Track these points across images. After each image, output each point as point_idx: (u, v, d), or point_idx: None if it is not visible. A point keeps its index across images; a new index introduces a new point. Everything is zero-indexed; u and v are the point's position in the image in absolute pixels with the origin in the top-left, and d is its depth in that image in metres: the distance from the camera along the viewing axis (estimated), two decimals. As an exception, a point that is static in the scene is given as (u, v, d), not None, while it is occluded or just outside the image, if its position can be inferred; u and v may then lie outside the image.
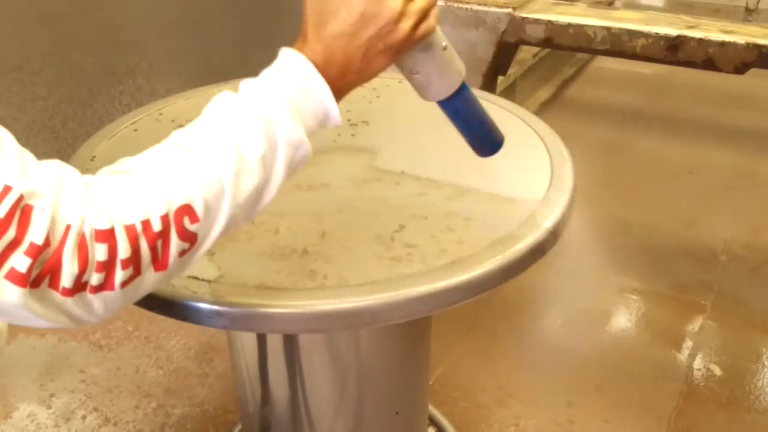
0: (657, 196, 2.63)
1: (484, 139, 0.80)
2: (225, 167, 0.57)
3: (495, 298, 2.03)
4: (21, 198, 0.48)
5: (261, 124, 0.59)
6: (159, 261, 0.55)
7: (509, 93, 2.85)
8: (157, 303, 0.74)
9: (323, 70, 0.62)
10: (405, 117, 1.20)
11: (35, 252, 0.48)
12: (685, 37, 1.76)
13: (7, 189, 0.48)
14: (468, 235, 0.84)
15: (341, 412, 1.15)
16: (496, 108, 1.21)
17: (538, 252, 0.83)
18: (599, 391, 1.74)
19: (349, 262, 0.80)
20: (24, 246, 0.48)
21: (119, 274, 0.52)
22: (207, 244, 0.58)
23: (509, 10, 2.01)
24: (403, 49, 0.66)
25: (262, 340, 1.10)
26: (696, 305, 2.04)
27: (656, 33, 1.80)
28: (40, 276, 0.49)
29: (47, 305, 0.51)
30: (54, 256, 0.49)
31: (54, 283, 0.50)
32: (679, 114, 3.38)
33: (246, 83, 0.62)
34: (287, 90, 0.60)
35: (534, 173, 0.98)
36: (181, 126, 1.19)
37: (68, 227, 0.50)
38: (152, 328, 1.93)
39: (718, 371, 1.80)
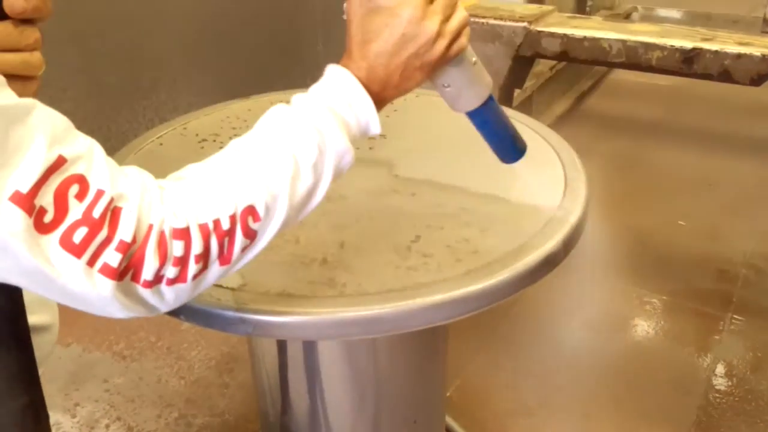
0: (676, 207, 2.62)
1: (509, 147, 0.86)
2: (283, 172, 0.62)
3: (512, 310, 2.04)
4: (111, 200, 0.53)
5: (313, 134, 0.64)
6: (224, 256, 0.60)
7: (526, 106, 2.86)
8: (183, 310, 0.76)
9: (366, 84, 0.68)
10: (421, 131, 1.22)
11: (125, 248, 0.54)
12: (700, 49, 1.78)
13: (101, 192, 0.53)
14: (483, 245, 0.86)
15: (359, 421, 1.17)
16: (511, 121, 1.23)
17: (551, 262, 0.84)
18: (617, 403, 1.73)
19: (367, 271, 0.82)
20: (115, 243, 0.53)
21: (192, 268, 0.58)
22: (265, 241, 0.64)
23: (525, 24, 2.04)
24: (438, 66, 0.73)
25: (282, 350, 1.12)
26: (716, 317, 2.03)
27: (672, 45, 1.81)
28: (126, 270, 0.55)
29: (129, 297, 0.56)
30: (138, 252, 0.55)
31: (136, 276, 0.55)
32: (697, 125, 3.37)
33: (298, 97, 0.68)
34: (335, 103, 0.67)
35: (548, 185, 1.00)
36: (204, 140, 1.22)
37: (150, 226, 0.55)
38: (174, 338, 1.97)
39: (738, 384, 1.79)
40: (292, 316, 0.76)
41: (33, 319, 0.66)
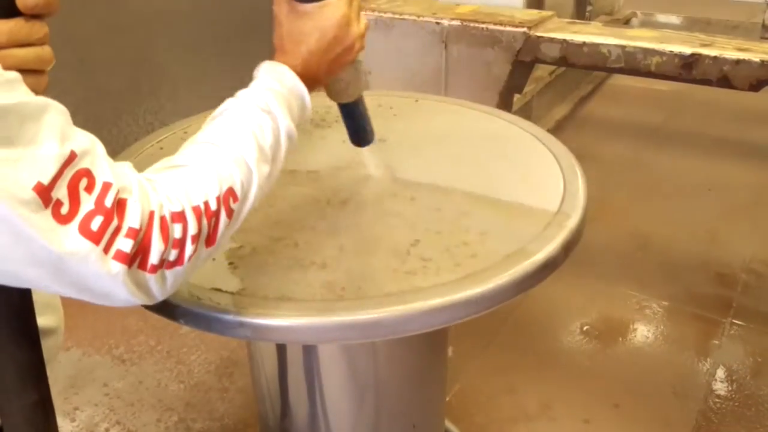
0: (676, 212, 2.62)
1: (365, 136, 1.00)
2: (250, 155, 0.69)
3: (512, 314, 2.04)
4: (118, 192, 0.57)
5: (268, 120, 0.73)
6: (210, 237, 0.65)
7: (526, 110, 2.87)
8: (182, 314, 0.77)
9: (300, 76, 0.78)
10: (420, 135, 1.23)
11: (134, 234, 0.57)
12: (699, 55, 1.78)
13: (108, 185, 0.56)
14: (482, 249, 0.86)
15: (359, 425, 1.17)
16: (509, 126, 1.23)
17: (550, 267, 0.84)
18: (617, 408, 1.73)
19: (366, 275, 0.83)
20: (124, 230, 0.57)
21: (188, 249, 0.62)
22: (240, 220, 0.69)
23: (525, 29, 2.05)
24: (350, 62, 0.86)
25: (281, 353, 1.12)
26: (715, 322, 2.03)
27: (671, 51, 1.82)
28: (135, 256, 0.58)
29: (136, 282, 0.59)
30: (145, 238, 0.58)
31: (143, 261, 0.59)
32: (697, 130, 3.37)
33: (244, 91, 0.76)
34: (281, 92, 0.76)
35: (547, 189, 1.00)
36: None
37: (152, 213, 0.59)
38: (174, 342, 1.97)
39: (738, 389, 1.79)
40: (291, 320, 0.76)
41: (39, 321, 0.67)
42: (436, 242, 0.88)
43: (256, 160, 0.69)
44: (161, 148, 1.18)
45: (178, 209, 0.61)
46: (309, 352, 1.07)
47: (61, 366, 1.87)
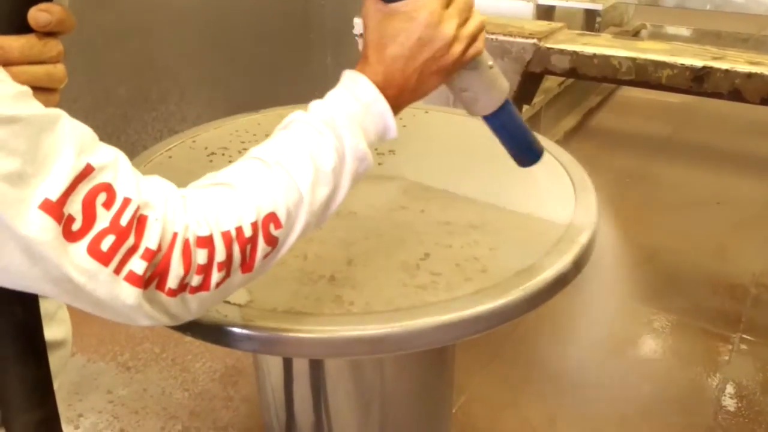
0: (684, 225, 2.61)
1: (525, 151, 0.85)
2: (303, 179, 0.63)
3: (518, 327, 2.03)
4: (138, 209, 0.54)
5: (332, 140, 0.65)
6: (246, 263, 0.61)
7: (534, 121, 2.86)
8: (189, 326, 0.76)
9: (383, 89, 0.68)
10: (431, 147, 1.22)
11: (150, 256, 0.54)
12: (711, 68, 1.77)
13: (127, 201, 0.53)
14: (492, 264, 0.85)
15: (364, 438, 1.16)
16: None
17: (561, 282, 0.83)
18: (624, 422, 1.72)
19: (375, 289, 0.82)
20: (140, 251, 0.54)
21: (215, 276, 0.58)
22: (286, 247, 0.64)
23: (535, 40, 2.04)
24: (454, 70, 0.73)
25: (288, 365, 1.11)
26: (724, 338, 2.01)
27: (682, 64, 1.81)
28: (151, 278, 0.55)
29: (154, 305, 0.56)
30: (164, 261, 0.55)
31: (161, 284, 0.56)
32: (706, 143, 3.36)
33: (315, 103, 0.68)
34: (353, 108, 0.67)
35: (558, 204, 0.99)
36: (213, 153, 1.22)
37: (175, 234, 0.55)
38: (179, 350, 1.96)
39: (747, 406, 1.77)
40: (299, 334, 0.75)
41: (47, 334, 0.65)
42: (446, 256, 0.87)
43: (311, 183, 0.63)
44: (170, 157, 1.17)
45: (205, 233, 0.57)
46: (316, 364, 1.06)
47: (65, 372, 1.87)
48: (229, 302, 0.78)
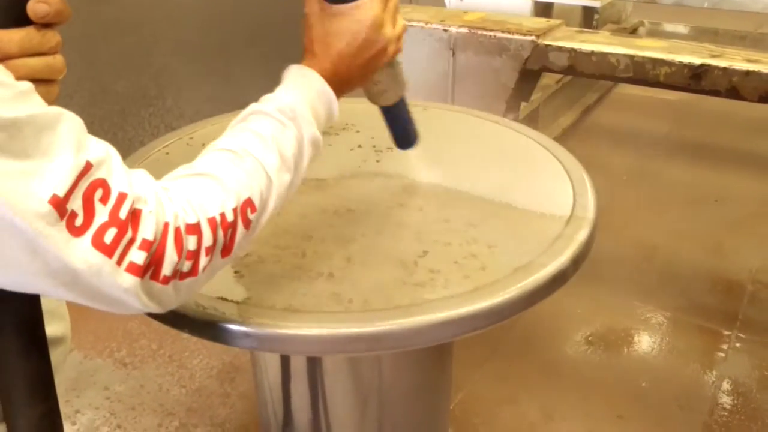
0: (682, 223, 2.61)
1: (408, 139, 0.99)
2: (271, 165, 0.68)
3: (516, 324, 2.03)
4: (133, 202, 0.56)
5: (292, 129, 0.71)
6: (226, 247, 0.64)
7: (532, 119, 2.86)
8: (187, 323, 0.76)
9: (329, 81, 0.76)
10: (428, 144, 1.22)
11: (148, 246, 0.56)
12: (708, 65, 1.77)
13: (123, 195, 0.55)
14: (490, 262, 0.86)
15: (362, 435, 1.16)
16: (518, 135, 1.23)
17: (559, 280, 0.83)
18: (620, 420, 1.72)
19: (374, 287, 0.82)
20: (138, 242, 0.56)
21: (203, 261, 0.61)
22: (258, 230, 0.68)
23: (533, 37, 2.04)
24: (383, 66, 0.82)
25: (285, 362, 1.11)
26: (721, 334, 2.02)
27: (680, 61, 1.81)
28: (148, 267, 0.57)
29: (148, 293, 0.58)
30: (159, 250, 0.57)
31: (156, 273, 0.58)
32: (704, 141, 3.36)
33: (269, 96, 0.73)
34: (307, 99, 0.73)
35: (556, 201, 0.99)
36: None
37: (167, 224, 0.58)
38: (176, 346, 1.96)
39: (744, 403, 1.77)
40: (297, 332, 0.75)
41: (47, 330, 0.66)
42: (445, 254, 0.87)
43: (277, 169, 0.68)
44: (167, 154, 1.17)
45: (193, 221, 0.60)
46: (313, 361, 1.06)
47: (64, 368, 1.86)
48: (226, 299, 0.78)
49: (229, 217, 0.63)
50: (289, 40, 2.87)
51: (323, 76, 0.75)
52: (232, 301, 0.78)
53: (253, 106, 0.73)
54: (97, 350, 1.95)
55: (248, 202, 0.65)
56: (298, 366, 1.09)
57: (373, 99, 0.90)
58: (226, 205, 0.63)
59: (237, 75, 2.64)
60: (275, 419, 1.21)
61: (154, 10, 2.35)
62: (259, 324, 0.75)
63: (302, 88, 0.74)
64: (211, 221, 0.61)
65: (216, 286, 0.80)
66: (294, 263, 0.86)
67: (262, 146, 0.68)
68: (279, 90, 0.74)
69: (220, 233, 0.62)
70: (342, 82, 0.77)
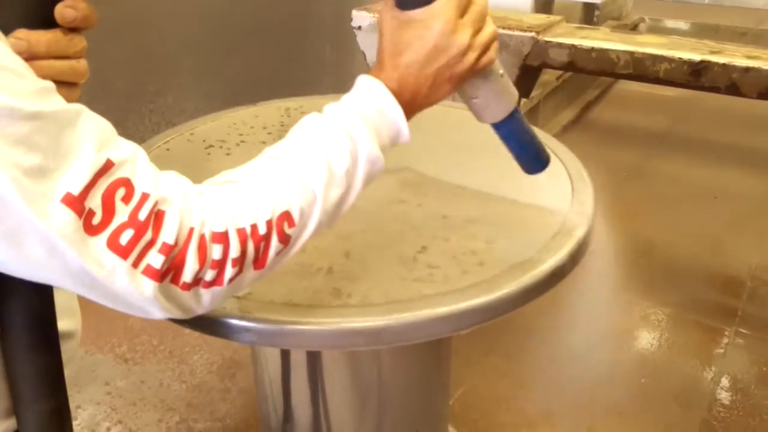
0: (681, 219, 2.61)
1: (533, 159, 0.86)
2: (317, 179, 0.64)
3: (515, 319, 2.03)
4: (156, 204, 0.55)
5: (346, 142, 0.66)
6: (259, 260, 0.62)
7: (532, 115, 2.86)
8: (188, 318, 0.77)
9: (397, 94, 0.70)
10: (429, 141, 1.22)
11: (167, 250, 0.55)
12: (708, 62, 1.77)
13: (146, 196, 0.54)
14: (489, 257, 0.86)
15: (362, 430, 1.16)
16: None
17: (558, 276, 0.84)
18: (620, 416, 1.73)
19: (373, 282, 0.82)
20: (158, 245, 0.55)
21: (229, 272, 0.59)
22: (298, 245, 0.65)
23: (533, 34, 2.04)
24: (466, 78, 0.74)
25: (285, 357, 1.12)
26: (720, 331, 2.02)
27: (679, 58, 1.81)
28: (167, 272, 0.56)
29: (168, 298, 0.57)
30: (179, 255, 0.56)
31: (176, 278, 0.57)
32: (703, 137, 3.36)
33: (331, 106, 0.69)
34: (367, 112, 0.68)
35: (555, 197, 0.99)
36: (211, 146, 1.22)
37: (191, 230, 0.56)
38: (176, 342, 1.97)
39: (742, 399, 1.78)
40: (297, 326, 0.75)
41: (59, 325, 0.66)
42: (444, 249, 0.88)
43: (324, 184, 0.64)
44: (168, 150, 1.17)
45: (220, 229, 0.58)
46: (313, 355, 1.07)
47: (73, 363, 1.87)
48: (227, 294, 0.78)
49: (261, 230, 0.60)
50: (289, 37, 2.87)
51: (389, 87, 0.69)
52: (232, 296, 0.79)
53: (311, 115, 0.69)
54: (98, 346, 1.96)
55: (286, 216, 0.62)
56: (299, 361, 1.10)
57: (477, 117, 0.81)
58: (258, 217, 0.60)
59: (237, 72, 2.64)
60: (275, 414, 1.22)
61: (155, 7, 2.35)
62: (259, 318, 0.75)
63: (364, 102, 0.69)
64: (241, 232, 0.59)
65: (216, 281, 0.80)
66: (294, 259, 0.85)
67: (311, 159, 0.64)
68: (342, 100, 0.70)
69: (251, 245, 0.60)
70: (412, 95, 0.71)
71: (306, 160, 0.64)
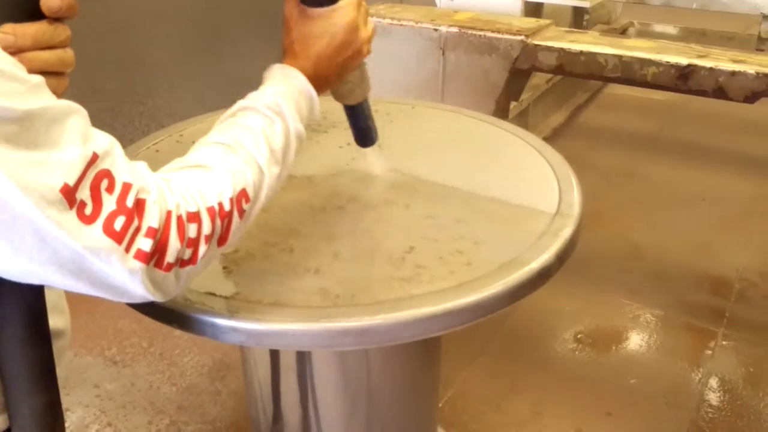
0: (669, 222, 2.63)
1: (370, 136, 1.02)
2: (261, 157, 0.71)
3: (505, 322, 2.04)
4: (137, 192, 0.58)
5: (278, 122, 0.74)
6: (222, 237, 0.66)
7: (522, 118, 2.88)
8: (175, 318, 0.77)
9: (310, 79, 0.80)
10: (416, 142, 1.23)
11: (153, 234, 0.58)
12: (695, 66, 1.79)
13: (128, 185, 0.57)
14: (476, 258, 0.87)
15: (351, 431, 1.17)
16: (505, 134, 1.24)
17: (544, 276, 0.85)
18: (609, 416, 1.74)
19: (360, 282, 0.83)
20: (144, 230, 0.58)
21: (202, 249, 0.64)
22: (250, 219, 0.71)
23: (522, 37, 2.05)
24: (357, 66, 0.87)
25: (275, 358, 1.12)
26: (708, 332, 2.04)
27: (667, 62, 1.83)
28: (153, 255, 0.59)
29: (152, 280, 0.61)
30: (163, 237, 0.60)
31: (160, 260, 0.60)
32: (692, 140, 3.39)
33: (255, 94, 0.77)
34: (290, 94, 0.77)
35: (542, 199, 1.00)
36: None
37: (169, 212, 0.60)
38: (166, 344, 1.96)
39: (730, 400, 1.79)
40: (285, 326, 0.76)
41: (49, 323, 0.67)
42: (431, 250, 0.88)
43: (267, 161, 0.71)
44: (157, 151, 1.18)
45: (193, 209, 0.62)
46: (302, 357, 1.07)
47: (63, 362, 1.86)
48: (215, 294, 0.79)
49: (226, 207, 0.65)
50: (279, 40, 2.87)
51: (304, 74, 0.79)
52: (220, 296, 0.79)
53: (240, 103, 0.75)
54: (88, 348, 1.95)
55: (243, 193, 0.67)
56: (288, 363, 1.10)
57: (340, 98, 0.94)
58: (223, 195, 0.65)
59: (226, 73, 2.64)
60: (265, 416, 1.22)
61: (144, 8, 2.35)
62: (247, 318, 0.76)
63: (286, 86, 0.77)
64: (210, 210, 0.64)
65: (205, 282, 0.81)
66: (282, 259, 0.87)
67: (253, 140, 0.71)
68: (264, 87, 0.77)
69: (218, 222, 0.64)
70: (321, 81, 0.81)
71: (249, 141, 0.71)
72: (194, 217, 0.62)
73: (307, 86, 0.79)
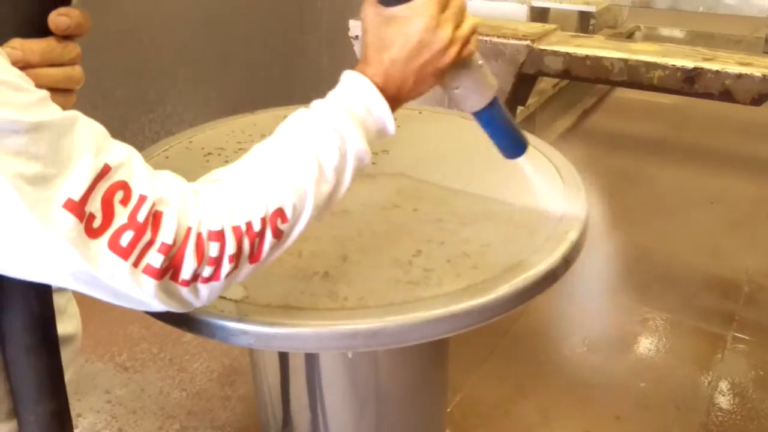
0: (678, 225, 2.62)
1: (512, 144, 0.90)
2: (308, 176, 0.66)
3: (514, 326, 2.04)
4: (153, 205, 0.57)
5: (335, 138, 0.68)
6: (254, 255, 0.64)
7: (529, 123, 2.88)
8: (185, 321, 0.78)
9: (383, 89, 0.71)
10: (424, 146, 1.24)
11: (166, 250, 0.57)
12: (701, 69, 1.79)
13: (143, 198, 0.56)
14: (483, 261, 0.87)
15: (360, 435, 1.17)
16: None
17: (550, 279, 0.85)
18: (618, 420, 1.73)
19: (369, 285, 0.83)
20: (157, 245, 0.57)
21: (225, 268, 0.61)
22: (291, 240, 0.67)
23: (528, 42, 2.06)
24: (449, 71, 0.76)
25: (284, 363, 1.12)
26: (717, 336, 2.03)
27: (673, 65, 1.83)
28: (166, 270, 0.58)
29: (168, 294, 0.60)
30: (178, 254, 0.58)
31: (175, 275, 0.59)
32: (699, 144, 3.38)
33: (318, 102, 0.71)
34: (355, 108, 0.70)
35: (548, 202, 1.01)
36: (209, 154, 1.24)
37: (189, 229, 0.58)
38: (176, 350, 1.97)
39: (740, 403, 1.79)
40: (294, 328, 0.76)
41: (59, 328, 0.67)
42: (438, 253, 0.89)
43: (315, 180, 0.66)
44: (167, 158, 1.19)
45: (216, 228, 0.60)
46: (311, 360, 1.08)
47: (74, 366, 1.88)
48: (225, 297, 0.80)
49: (256, 227, 0.62)
50: (287, 47, 2.89)
51: (375, 83, 0.71)
52: (230, 299, 0.80)
53: (299, 111, 0.70)
54: (98, 354, 1.96)
55: (279, 212, 0.64)
56: (297, 367, 1.11)
57: (459, 107, 0.84)
58: (253, 215, 0.62)
59: (235, 81, 2.66)
60: (275, 421, 1.22)
61: (154, 17, 2.37)
62: (256, 321, 0.77)
63: (351, 98, 0.70)
64: (236, 229, 0.61)
65: (214, 286, 0.81)
66: (291, 262, 0.88)
67: (301, 155, 0.66)
68: (329, 96, 0.71)
69: (246, 242, 0.62)
70: (397, 90, 0.72)
71: (297, 156, 0.66)
72: (217, 236, 0.60)
73: (376, 96, 0.70)
